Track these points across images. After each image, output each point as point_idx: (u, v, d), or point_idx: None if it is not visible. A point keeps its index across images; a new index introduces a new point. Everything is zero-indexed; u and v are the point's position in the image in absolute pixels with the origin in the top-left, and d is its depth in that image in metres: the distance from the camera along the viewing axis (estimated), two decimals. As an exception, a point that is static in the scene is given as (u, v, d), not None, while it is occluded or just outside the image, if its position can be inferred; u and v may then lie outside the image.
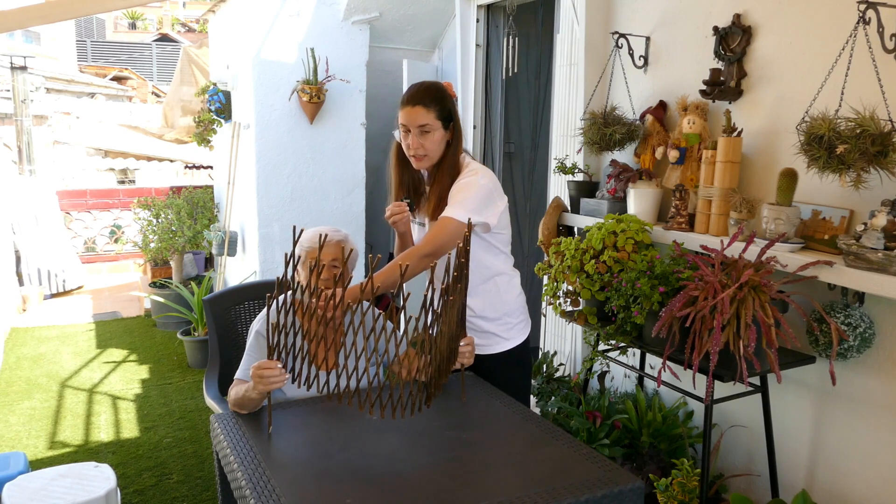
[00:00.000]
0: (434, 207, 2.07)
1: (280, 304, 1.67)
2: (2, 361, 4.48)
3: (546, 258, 2.67)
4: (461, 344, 1.90)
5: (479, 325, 2.14)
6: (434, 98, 2.02)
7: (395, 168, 2.17)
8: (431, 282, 1.62)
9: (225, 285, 4.96)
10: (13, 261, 5.84)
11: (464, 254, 1.70)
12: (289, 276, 1.69)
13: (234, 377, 1.97)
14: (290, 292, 1.71)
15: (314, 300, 1.63)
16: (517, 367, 2.22)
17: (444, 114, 2.04)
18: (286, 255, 1.65)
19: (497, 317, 2.15)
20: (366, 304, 2.07)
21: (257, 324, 2.03)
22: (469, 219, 1.86)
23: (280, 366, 1.70)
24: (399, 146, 2.12)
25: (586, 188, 2.88)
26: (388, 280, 1.92)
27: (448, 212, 1.99)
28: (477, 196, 2.02)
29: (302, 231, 1.73)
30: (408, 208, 2.10)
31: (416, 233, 2.22)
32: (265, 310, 1.88)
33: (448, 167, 2.07)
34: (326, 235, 1.96)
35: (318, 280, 1.66)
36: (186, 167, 9.45)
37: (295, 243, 1.67)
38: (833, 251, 1.99)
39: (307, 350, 1.70)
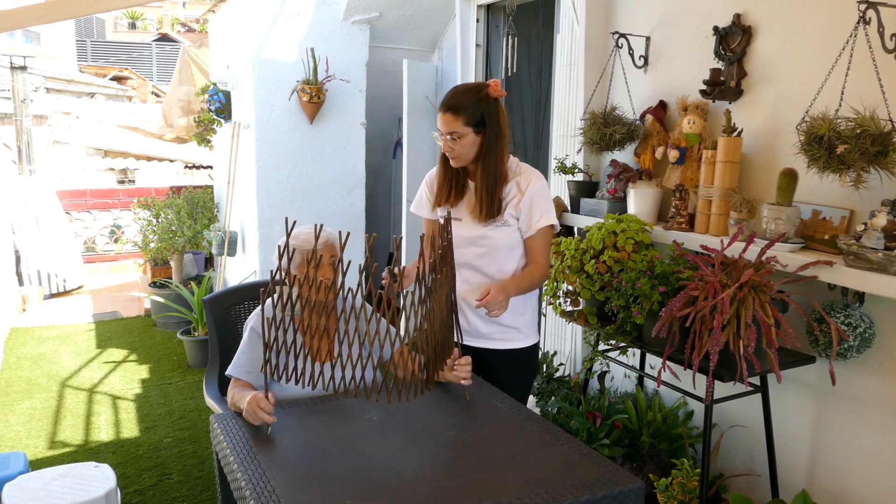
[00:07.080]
0: (478, 208, 2.12)
1: (276, 299, 1.68)
2: (2, 361, 4.48)
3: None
4: (461, 363, 1.92)
5: (506, 321, 2.18)
6: (463, 105, 2.04)
7: (441, 165, 2.21)
8: (422, 254, 1.70)
9: (225, 285, 4.96)
10: (13, 261, 5.83)
11: (446, 240, 1.76)
12: (283, 267, 1.70)
13: (228, 373, 1.98)
14: (283, 286, 1.72)
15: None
16: (529, 365, 2.28)
17: (476, 119, 2.05)
18: (279, 246, 1.66)
19: (522, 312, 2.22)
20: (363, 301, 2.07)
21: (252, 320, 2.04)
22: (450, 214, 1.93)
23: (272, 408, 1.72)
24: None
25: (586, 188, 2.88)
26: (525, 286, 2.13)
27: (546, 221, 2.13)
28: (551, 202, 2.18)
29: (294, 223, 1.74)
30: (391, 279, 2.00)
31: (457, 229, 2.19)
32: (259, 307, 1.89)
33: (491, 172, 2.10)
34: (322, 226, 1.98)
35: (316, 272, 1.66)
36: (186, 167, 9.44)
37: (288, 235, 1.68)
38: (833, 251, 1.99)
39: (301, 343, 1.70)
